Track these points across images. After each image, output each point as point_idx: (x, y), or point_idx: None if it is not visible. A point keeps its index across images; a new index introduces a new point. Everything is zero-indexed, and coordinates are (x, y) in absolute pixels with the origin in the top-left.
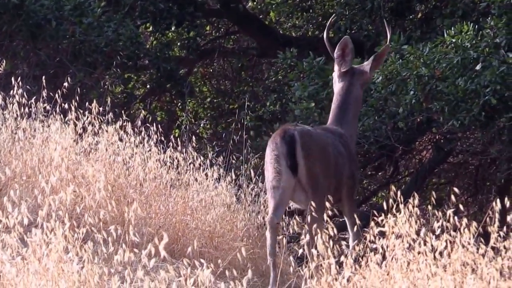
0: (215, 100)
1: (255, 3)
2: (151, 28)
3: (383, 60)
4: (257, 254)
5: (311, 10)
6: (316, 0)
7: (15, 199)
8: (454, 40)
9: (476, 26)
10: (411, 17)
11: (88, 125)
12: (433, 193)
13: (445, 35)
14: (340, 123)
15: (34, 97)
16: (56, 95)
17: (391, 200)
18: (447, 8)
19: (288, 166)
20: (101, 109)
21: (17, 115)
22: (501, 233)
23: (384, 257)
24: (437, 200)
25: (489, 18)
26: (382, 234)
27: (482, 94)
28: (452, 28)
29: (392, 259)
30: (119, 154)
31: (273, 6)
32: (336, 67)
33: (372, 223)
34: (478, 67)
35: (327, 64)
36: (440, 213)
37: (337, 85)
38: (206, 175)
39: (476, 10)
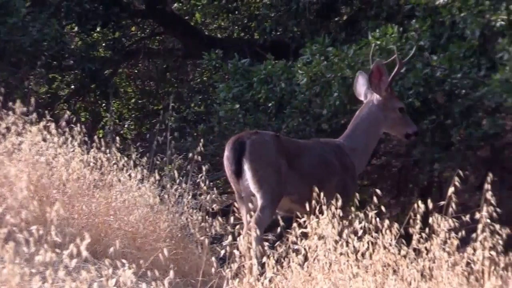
0: (139, 101)
1: (180, 4)
2: (76, 29)
3: (382, 77)
4: (179, 255)
5: (236, 12)
6: (242, 2)
7: None
8: (378, 42)
9: (401, 29)
10: (336, 19)
11: (12, 125)
12: (356, 194)
13: (370, 37)
14: (346, 136)
15: None
16: None
17: (314, 202)
18: (372, 10)
19: (233, 172)
20: (25, 109)
21: None
22: (423, 235)
23: (306, 258)
24: (359, 202)
25: (413, 20)
26: (305, 235)
27: (406, 96)
28: (377, 30)
29: (314, 260)
30: (43, 154)
31: (199, 7)
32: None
33: (295, 224)
34: (402, 70)
35: (252, 66)
36: (362, 214)
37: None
38: (130, 175)
39: (400, 13)
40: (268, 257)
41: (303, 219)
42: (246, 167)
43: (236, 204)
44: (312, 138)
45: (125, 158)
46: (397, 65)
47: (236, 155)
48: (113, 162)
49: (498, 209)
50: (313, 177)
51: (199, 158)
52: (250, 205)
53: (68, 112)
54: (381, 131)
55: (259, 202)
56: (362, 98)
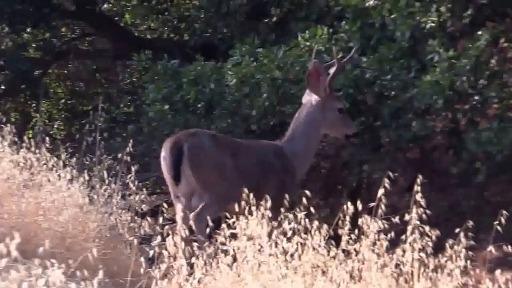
0: (69, 102)
1: (110, 5)
2: (7, 29)
3: (320, 77)
4: (108, 255)
5: (166, 13)
6: (172, 3)
7: None
8: (308, 44)
9: (331, 30)
10: (266, 20)
11: None
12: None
13: (300, 38)
14: (286, 138)
15: None
16: None
17: (243, 203)
18: (301, 12)
19: (172, 177)
20: None
21: None
22: (352, 236)
23: (235, 259)
24: (288, 203)
25: (343, 22)
26: (234, 236)
27: None
28: (307, 32)
29: (243, 260)
30: None
31: (129, 8)
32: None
33: (224, 225)
34: (331, 71)
35: (181, 67)
36: (291, 215)
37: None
38: (59, 176)
39: (330, 14)
40: (197, 257)
41: (232, 220)
42: (187, 172)
43: (165, 205)
44: (253, 139)
45: (55, 159)
46: (336, 64)
47: (174, 160)
48: (43, 162)
49: (427, 211)
50: (251, 177)
51: (128, 158)
52: (189, 202)
53: None
54: (321, 133)
55: (202, 201)
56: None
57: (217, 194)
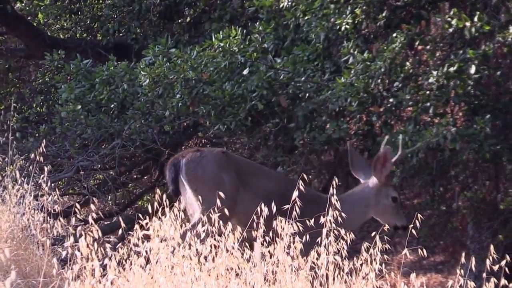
0: None
1: (23, 4)
2: None
3: (386, 163)
4: (20, 256)
5: (79, 13)
6: (85, 3)
7: None
8: (222, 44)
9: (244, 31)
10: (179, 21)
11: None
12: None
13: (213, 39)
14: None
15: None
16: None
17: (156, 204)
18: (215, 12)
19: (172, 191)
20: None
21: None
22: (267, 239)
23: (148, 261)
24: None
25: (257, 23)
26: (147, 238)
27: (249, 99)
28: (220, 32)
29: (156, 262)
30: None
31: (42, 7)
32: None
33: (137, 226)
34: (245, 72)
35: (94, 67)
36: (205, 217)
37: None
38: None
39: (244, 15)
40: (110, 258)
41: (145, 221)
42: (186, 186)
43: (77, 206)
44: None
45: None
46: (399, 153)
47: (172, 176)
48: None
49: (343, 214)
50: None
51: (41, 159)
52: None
53: None
54: (368, 214)
55: (197, 215)
56: (357, 175)
57: (207, 206)
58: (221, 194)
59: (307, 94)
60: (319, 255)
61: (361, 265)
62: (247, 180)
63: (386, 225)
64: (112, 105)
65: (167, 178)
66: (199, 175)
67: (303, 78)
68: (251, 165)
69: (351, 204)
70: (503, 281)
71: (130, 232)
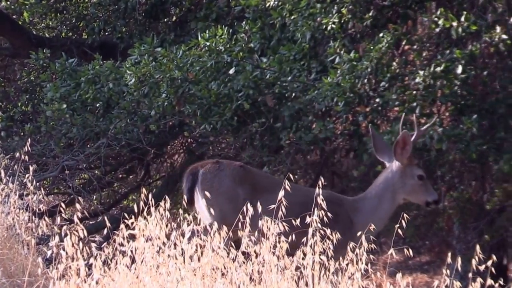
0: None
1: (8, 3)
2: None
3: (406, 146)
4: (5, 255)
5: (65, 12)
6: (70, 2)
7: None
8: (208, 44)
9: (231, 30)
10: (165, 20)
11: None
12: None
13: (199, 38)
14: (362, 195)
15: None
16: None
17: (142, 203)
18: (201, 11)
19: (186, 200)
20: None
21: None
22: (253, 238)
23: (133, 260)
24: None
25: (243, 22)
26: (132, 237)
27: (235, 98)
28: (206, 32)
29: (141, 262)
30: None
31: (27, 6)
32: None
33: (122, 226)
34: (231, 71)
35: (79, 66)
36: (191, 217)
37: None
38: None
39: (230, 14)
40: (95, 258)
41: (131, 221)
42: (199, 196)
43: (63, 205)
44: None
45: None
46: (416, 132)
47: (188, 185)
48: None
49: (329, 214)
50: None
51: (26, 158)
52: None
53: None
54: (399, 198)
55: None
56: (382, 158)
57: (220, 223)
58: (234, 207)
59: (293, 94)
60: (304, 255)
61: (347, 265)
62: (262, 195)
63: (418, 202)
64: (97, 104)
65: (183, 186)
66: (214, 186)
67: (289, 78)
68: (269, 179)
69: (378, 196)
70: (489, 281)
71: (115, 231)
